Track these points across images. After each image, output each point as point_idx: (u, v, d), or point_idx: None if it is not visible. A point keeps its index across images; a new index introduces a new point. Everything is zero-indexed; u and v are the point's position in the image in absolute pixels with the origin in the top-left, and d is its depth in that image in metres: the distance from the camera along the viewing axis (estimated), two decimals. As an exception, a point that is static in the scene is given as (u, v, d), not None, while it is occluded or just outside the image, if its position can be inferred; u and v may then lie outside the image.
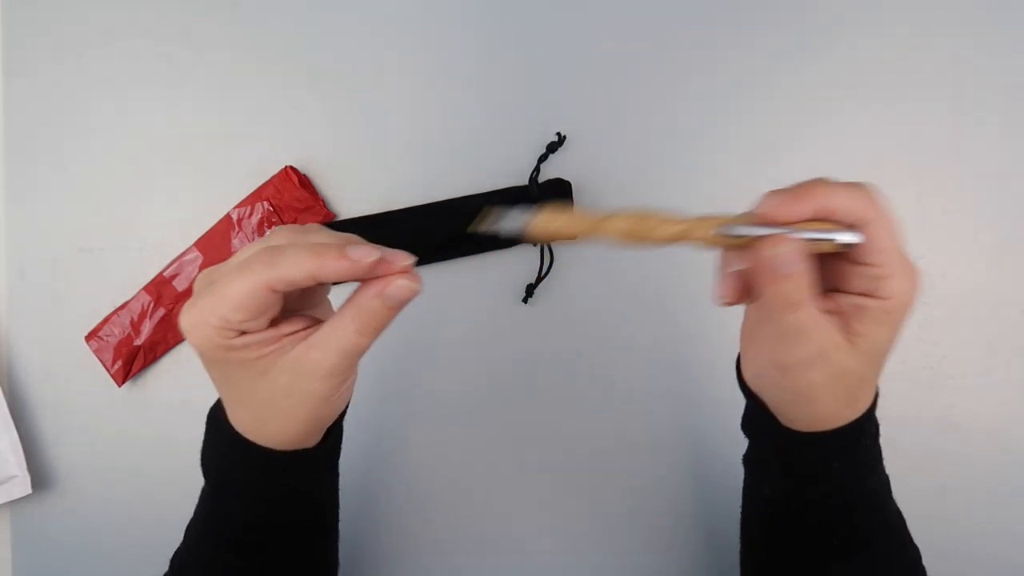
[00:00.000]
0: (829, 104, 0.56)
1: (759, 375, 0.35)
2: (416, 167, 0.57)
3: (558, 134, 0.56)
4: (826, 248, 0.30)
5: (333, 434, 0.37)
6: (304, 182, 0.56)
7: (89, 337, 0.56)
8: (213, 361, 0.32)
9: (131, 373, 0.56)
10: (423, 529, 0.56)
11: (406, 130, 0.57)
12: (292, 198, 0.55)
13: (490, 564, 0.56)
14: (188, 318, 0.30)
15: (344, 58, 0.58)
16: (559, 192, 0.55)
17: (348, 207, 0.57)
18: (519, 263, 0.56)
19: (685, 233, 0.30)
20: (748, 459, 0.41)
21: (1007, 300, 0.55)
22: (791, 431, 0.34)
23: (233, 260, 0.31)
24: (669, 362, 0.56)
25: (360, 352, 0.33)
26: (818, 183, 0.30)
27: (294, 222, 0.56)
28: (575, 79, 0.57)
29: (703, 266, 0.56)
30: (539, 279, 0.56)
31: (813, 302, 0.30)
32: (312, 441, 0.35)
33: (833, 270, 0.32)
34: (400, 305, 0.32)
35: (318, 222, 0.56)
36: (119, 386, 0.57)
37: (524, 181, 0.56)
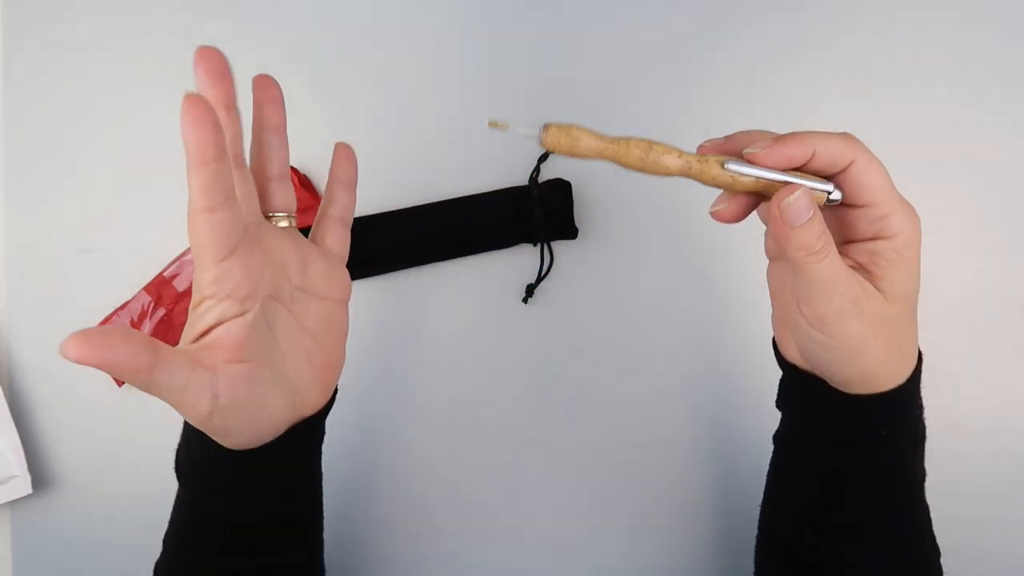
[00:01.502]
0: (829, 103, 0.56)
1: (804, 343, 0.35)
2: (416, 167, 0.57)
3: (558, 134, 0.56)
4: (817, 199, 0.32)
5: (301, 432, 0.37)
6: (304, 182, 0.56)
7: (89, 337, 0.56)
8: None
9: (131, 373, 0.56)
10: (423, 529, 0.56)
11: (406, 130, 0.57)
12: (292, 198, 0.55)
13: (491, 563, 0.56)
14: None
15: (344, 58, 0.58)
16: (559, 192, 0.55)
17: (348, 207, 0.57)
18: (519, 263, 0.56)
19: (688, 166, 0.32)
20: (783, 436, 0.41)
21: (1007, 300, 0.55)
22: (844, 396, 0.35)
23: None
24: (669, 361, 0.56)
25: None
26: (801, 132, 0.32)
27: (294, 222, 0.56)
28: (575, 79, 0.57)
29: (703, 266, 0.56)
30: (539, 279, 0.56)
31: (835, 251, 0.32)
32: (253, 441, 0.35)
33: (840, 224, 0.33)
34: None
35: (318, 222, 0.56)
36: (119, 386, 0.57)
37: (524, 181, 0.56)
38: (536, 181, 0.55)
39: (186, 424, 0.36)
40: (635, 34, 0.57)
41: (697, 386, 0.56)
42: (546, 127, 0.33)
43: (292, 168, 0.56)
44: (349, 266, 0.56)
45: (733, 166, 0.32)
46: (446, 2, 0.58)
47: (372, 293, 0.57)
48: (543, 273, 0.56)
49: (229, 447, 0.34)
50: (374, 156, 0.57)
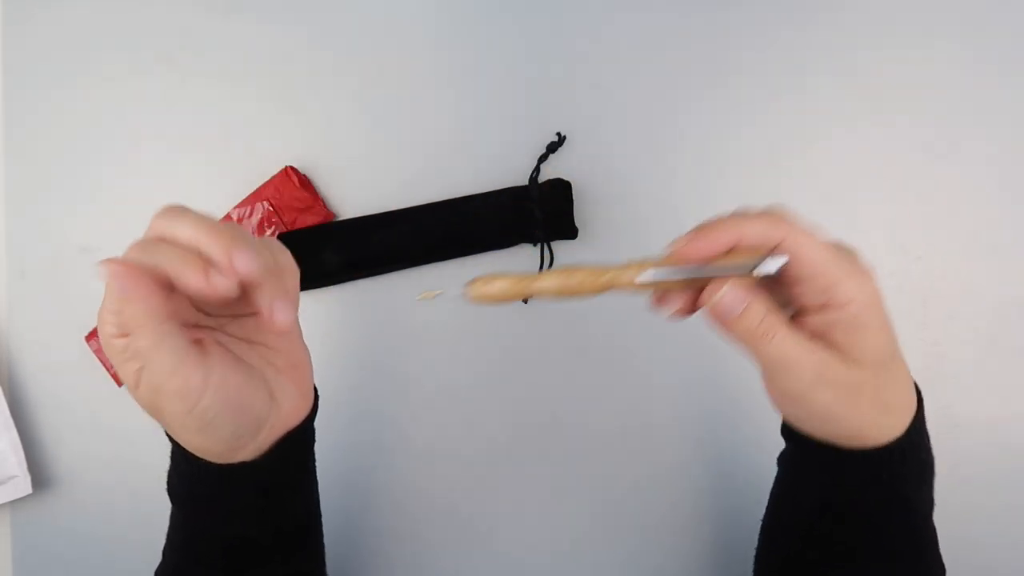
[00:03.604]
0: (829, 103, 0.56)
1: (784, 410, 0.35)
2: (416, 167, 0.57)
3: (558, 134, 0.56)
4: (756, 276, 0.31)
5: (283, 446, 0.36)
6: (304, 182, 0.56)
7: (89, 337, 0.56)
8: (117, 370, 0.32)
9: (131, 373, 0.56)
10: (424, 527, 0.56)
11: (406, 130, 0.57)
12: (292, 198, 0.55)
13: (491, 561, 0.56)
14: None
15: (344, 58, 0.58)
16: (559, 192, 0.55)
17: (348, 207, 0.57)
18: (519, 263, 0.56)
19: (610, 283, 0.32)
20: (787, 461, 0.40)
21: (1007, 300, 0.55)
22: (839, 450, 0.34)
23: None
24: (670, 360, 0.56)
25: (151, 354, 0.30)
26: (725, 218, 0.31)
27: (294, 222, 0.56)
28: (575, 79, 0.57)
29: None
30: (539, 279, 0.56)
31: (784, 329, 0.31)
32: (244, 454, 0.35)
33: (788, 294, 0.32)
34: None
35: (318, 222, 0.56)
36: (119, 386, 0.57)
37: (524, 181, 0.56)
38: (536, 181, 0.55)
39: (174, 446, 0.36)
40: (636, 34, 0.57)
41: (698, 386, 0.56)
42: (469, 283, 0.33)
43: (292, 168, 0.56)
44: (349, 266, 0.56)
45: (645, 277, 0.31)
46: (446, 2, 0.58)
47: (372, 293, 0.57)
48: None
49: (211, 456, 0.34)
50: (374, 156, 0.57)
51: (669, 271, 0.31)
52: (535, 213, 0.54)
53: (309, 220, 0.56)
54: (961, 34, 0.56)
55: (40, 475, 0.57)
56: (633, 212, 0.57)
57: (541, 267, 0.55)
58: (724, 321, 0.31)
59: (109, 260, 0.29)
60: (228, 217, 0.56)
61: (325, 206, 0.56)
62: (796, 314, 0.32)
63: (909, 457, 0.34)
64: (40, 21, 0.59)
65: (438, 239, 0.55)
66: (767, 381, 0.33)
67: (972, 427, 0.54)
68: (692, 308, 0.33)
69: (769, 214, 0.31)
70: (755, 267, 0.31)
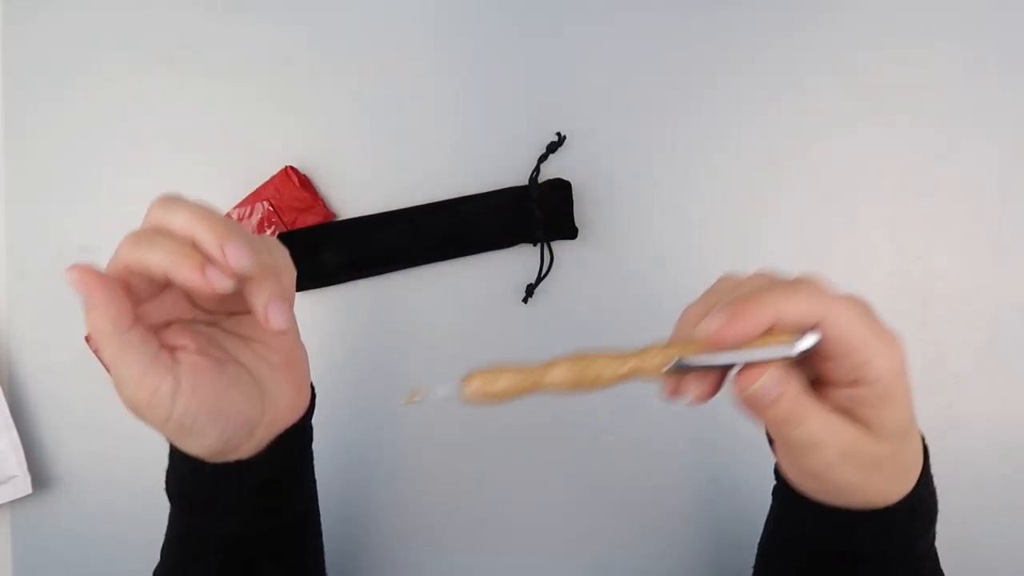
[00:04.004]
0: (829, 103, 0.56)
1: (797, 482, 0.34)
2: (416, 167, 0.57)
3: (558, 134, 0.56)
4: (795, 358, 0.28)
5: (280, 444, 0.36)
6: (304, 182, 0.56)
7: (89, 337, 0.56)
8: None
9: (131, 373, 0.56)
10: (423, 529, 0.56)
11: (406, 130, 0.57)
12: (292, 198, 0.55)
13: (489, 564, 0.56)
14: None
15: (344, 58, 0.58)
16: (559, 192, 0.55)
17: (348, 207, 0.57)
18: (519, 263, 0.56)
19: (634, 372, 0.29)
20: (784, 500, 0.38)
21: (1007, 300, 0.55)
22: (846, 512, 0.33)
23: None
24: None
25: (115, 363, 0.31)
26: (757, 297, 0.28)
27: (294, 222, 0.56)
28: (575, 79, 0.57)
29: (704, 266, 0.56)
30: (539, 279, 0.56)
31: (814, 410, 0.29)
32: (239, 452, 0.35)
33: (815, 366, 0.30)
34: (83, 300, 0.30)
35: (318, 222, 0.56)
36: (119, 386, 0.57)
37: (524, 181, 0.56)
38: (536, 181, 0.55)
39: (172, 448, 0.36)
40: (636, 34, 0.57)
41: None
42: (464, 383, 0.29)
43: (292, 168, 0.56)
44: (349, 266, 0.56)
45: (670, 367, 0.28)
46: (446, 2, 0.58)
47: (372, 293, 0.57)
48: (543, 273, 0.56)
49: (204, 455, 0.34)
50: (374, 156, 0.57)
51: (702, 358, 0.28)
52: (535, 213, 0.54)
53: (309, 220, 0.56)
54: (961, 34, 0.56)
55: (40, 475, 0.57)
56: (633, 212, 0.57)
57: (541, 267, 0.55)
58: (757, 407, 0.29)
59: (73, 267, 0.29)
60: (228, 217, 0.56)
61: (325, 206, 0.56)
62: (818, 383, 0.31)
63: (917, 510, 0.33)
64: (40, 21, 0.59)
65: (438, 239, 0.55)
66: (785, 458, 0.32)
67: (972, 427, 0.54)
68: (713, 392, 0.31)
69: (803, 286, 0.29)
70: (794, 349, 0.28)
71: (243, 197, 0.56)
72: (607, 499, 0.56)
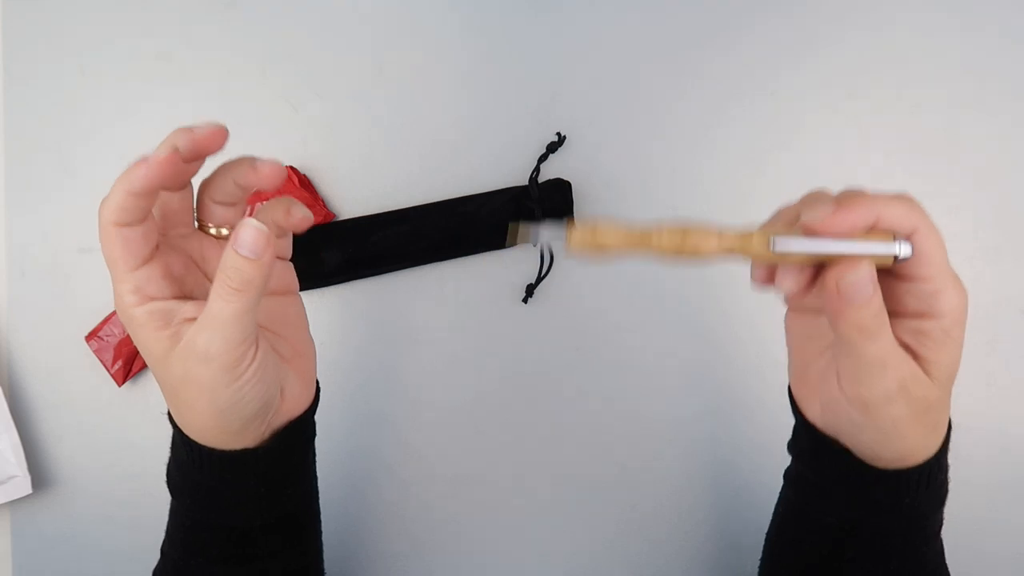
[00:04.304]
0: (829, 103, 0.56)
1: (837, 419, 0.33)
2: (416, 167, 0.57)
3: (558, 134, 0.56)
4: (883, 263, 0.29)
5: (287, 435, 0.36)
6: (304, 182, 0.56)
7: (89, 337, 0.56)
8: (138, 345, 0.33)
9: (131, 373, 0.56)
10: (422, 529, 0.56)
11: (406, 130, 0.57)
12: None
13: (490, 564, 0.56)
14: (114, 295, 0.32)
15: (344, 58, 0.58)
16: (559, 192, 0.55)
17: (348, 207, 0.57)
18: (519, 263, 0.56)
19: (735, 247, 0.29)
20: (796, 481, 0.39)
21: (1007, 300, 0.55)
22: (867, 467, 0.33)
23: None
24: (670, 361, 0.56)
25: (231, 323, 0.30)
26: (863, 193, 0.29)
27: (294, 222, 0.56)
28: (575, 79, 0.57)
29: (703, 267, 0.56)
30: (539, 279, 0.56)
31: (890, 330, 0.29)
32: (248, 438, 0.35)
33: (885, 295, 0.30)
34: (255, 251, 0.30)
35: (318, 222, 0.56)
36: (119, 386, 0.57)
37: (524, 181, 0.56)
38: (536, 181, 0.55)
39: (175, 437, 0.36)
40: (636, 34, 0.57)
41: (697, 386, 0.56)
42: (571, 229, 0.29)
43: (292, 168, 0.56)
44: (349, 266, 0.56)
45: (780, 247, 0.28)
46: (446, 2, 0.58)
47: (372, 293, 0.57)
48: (543, 273, 0.56)
49: (215, 441, 0.34)
50: (374, 156, 0.57)
51: (805, 242, 0.28)
52: (535, 213, 0.54)
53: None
54: (961, 34, 0.56)
55: (40, 475, 0.57)
56: (633, 212, 0.57)
57: (541, 267, 0.55)
58: (846, 306, 0.28)
59: (254, 227, 0.30)
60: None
61: (325, 206, 0.56)
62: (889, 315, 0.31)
63: (933, 479, 0.34)
64: (40, 21, 0.59)
65: (438, 239, 0.55)
66: (846, 380, 0.31)
67: (972, 427, 0.54)
68: (807, 287, 0.31)
69: (904, 198, 0.30)
70: (895, 247, 0.28)
71: (243, 197, 0.56)
72: (611, 498, 0.56)
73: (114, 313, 0.56)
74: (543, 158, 0.56)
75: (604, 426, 0.56)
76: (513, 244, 0.32)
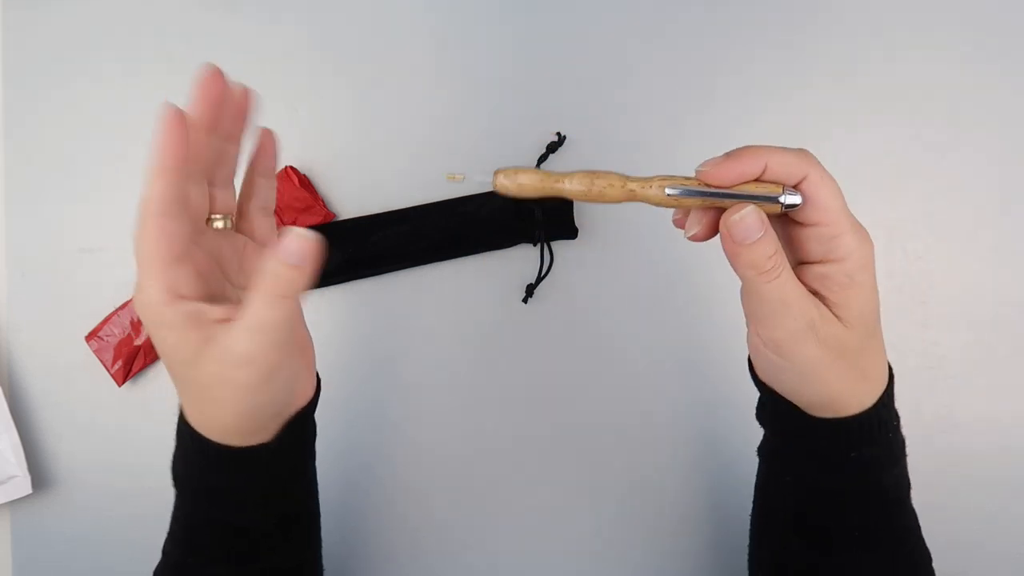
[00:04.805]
0: (829, 103, 0.56)
1: (763, 364, 0.35)
2: (416, 167, 0.57)
3: (558, 134, 0.56)
4: (772, 209, 0.31)
5: (296, 430, 0.37)
6: (304, 182, 0.56)
7: (89, 337, 0.56)
8: (158, 347, 0.32)
9: (131, 373, 0.56)
10: (423, 528, 0.56)
11: (406, 130, 0.57)
12: (292, 198, 0.55)
13: (490, 562, 0.56)
14: (134, 296, 0.31)
15: (344, 58, 0.58)
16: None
17: (348, 207, 0.57)
18: (519, 263, 0.56)
19: (634, 193, 0.32)
20: (764, 449, 0.40)
21: (1007, 300, 0.55)
22: (811, 418, 0.34)
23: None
24: (669, 361, 0.56)
25: (273, 328, 0.30)
26: (753, 146, 0.31)
27: (294, 222, 0.56)
28: (575, 79, 0.57)
29: (703, 266, 0.56)
30: (539, 279, 0.56)
31: (789, 270, 0.31)
32: (263, 433, 0.35)
33: (790, 244, 0.33)
34: (302, 259, 0.30)
35: (318, 222, 0.56)
36: (119, 386, 0.57)
37: (524, 181, 0.56)
38: (536, 181, 0.55)
39: (182, 433, 0.36)
40: (636, 34, 0.57)
41: (697, 385, 0.56)
42: (496, 172, 0.34)
43: (292, 168, 0.56)
44: (349, 266, 0.56)
45: (672, 190, 0.32)
46: (446, 2, 0.58)
47: (372, 293, 0.57)
48: (543, 273, 0.56)
49: (233, 438, 0.34)
50: (374, 156, 0.57)
51: (694, 189, 0.31)
52: (535, 213, 0.54)
53: (309, 220, 0.56)
54: (961, 34, 0.56)
55: (40, 475, 0.57)
56: (633, 212, 0.57)
57: (541, 267, 0.55)
58: (737, 246, 0.30)
59: (300, 235, 0.30)
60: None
61: (325, 206, 0.56)
62: (794, 264, 0.33)
63: (878, 432, 0.35)
64: (40, 21, 0.59)
65: (438, 239, 0.55)
66: (755, 325, 0.33)
67: (972, 427, 0.54)
68: (711, 233, 0.33)
69: (795, 150, 0.31)
70: (780, 197, 0.31)
71: (243, 197, 0.56)
72: (613, 500, 0.56)
73: (114, 313, 0.56)
74: (543, 158, 0.56)
75: (604, 425, 0.56)
76: (452, 179, 0.35)
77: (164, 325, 0.31)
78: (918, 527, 0.38)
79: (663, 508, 0.56)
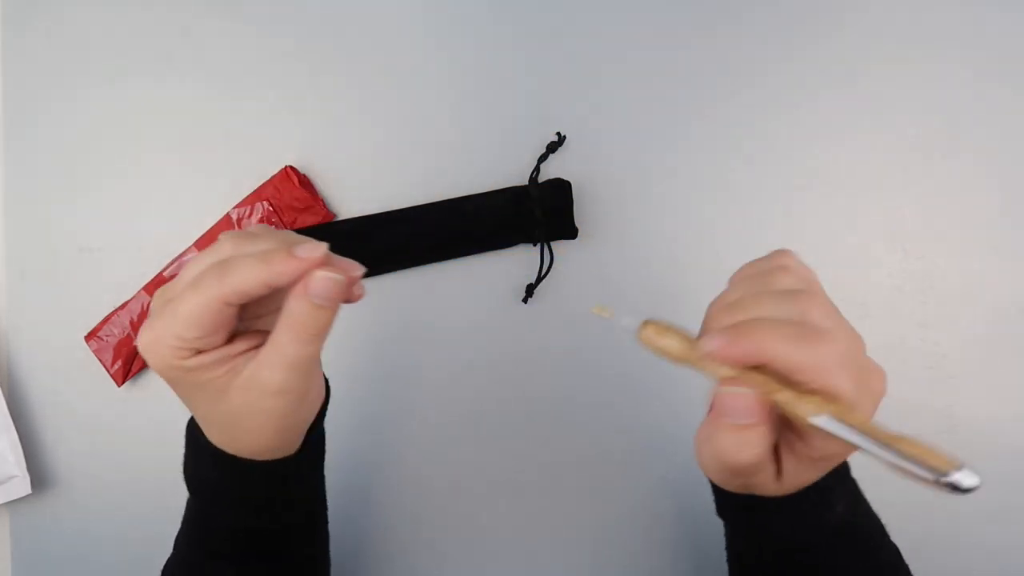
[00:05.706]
0: (829, 103, 0.56)
1: (707, 466, 0.35)
2: (416, 167, 0.57)
3: (558, 134, 0.56)
4: (925, 482, 0.27)
5: (313, 437, 0.37)
6: (304, 182, 0.56)
7: (89, 337, 0.56)
8: (172, 382, 0.32)
9: (131, 373, 0.56)
10: (421, 529, 0.56)
11: (406, 130, 0.57)
12: (292, 198, 0.55)
13: (488, 565, 0.56)
14: (144, 339, 0.30)
15: (344, 58, 0.58)
16: (559, 192, 0.55)
17: (348, 207, 0.57)
18: (519, 263, 0.56)
19: (783, 407, 0.28)
20: (739, 515, 0.40)
21: (1007, 300, 0.55)
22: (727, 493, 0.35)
23: (184, 276, 0.30)
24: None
25: (306, 362, 0.31)
26: (751, 323, 0.29)
27: (294, 222, 0.56)
28: (575, 79, 0.57)
29: (703, 266, 0.56)
30: (539, 279, 0.56)
31: (766, 468, 0.31)
32: (291, 448, 0.35)
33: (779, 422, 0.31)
34: (329, 302, 0.30)
35: (318, 222, 0.56)
36: (119, 386, 0.57)
37: (524, 181, 0.56)
38: (536, 181, 0.55)
39: (193, 437, 0.36)
40: (636, 34, 0.57)
41: (697, 385, 0.56)
42: (645, 323, 0.33)
43: (292, 168, 0.56)
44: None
45: (819, 423, 0.27)
46: (447, 2, 0.58)
47: (372, 293, 0.57)
48: (543, 273, 0.56)
49: (264, 454, 0.34)
50: (374, 156, 0.57)
51: (851, 433, 0.26)
52: (535, 213, 0.54)
53: (309, 220, 0.56)
54: (961, 35, 0.56)
55: (40, 475, 0.57)
56: (633, 212, 0.57)
57: (541, 267, 0.55)
58: (722, 419, 0.30)
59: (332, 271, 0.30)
60: (228, 217, 0.56)
61: (325, 206, 0.56)
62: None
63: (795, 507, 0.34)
64: (40, 21, 0.59)
65: (438, 239, 0.55)
66: (712, 448, 0.32)
67: (972, 427, 0.54)
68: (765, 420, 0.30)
69: (807, 337, 0.28)
70: (948, 477, 0.26)
71: (243, 197, 0.56)
72: (611, 502, 0.56)
73: (114, 313, 0.56)
74: (543, 158, 0.56)
75: (604, 425, 0.56)
76: (600, 314, 0.34)
77: (184, 375, 0.31)
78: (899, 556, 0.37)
79: (665, 508, 0.56)
